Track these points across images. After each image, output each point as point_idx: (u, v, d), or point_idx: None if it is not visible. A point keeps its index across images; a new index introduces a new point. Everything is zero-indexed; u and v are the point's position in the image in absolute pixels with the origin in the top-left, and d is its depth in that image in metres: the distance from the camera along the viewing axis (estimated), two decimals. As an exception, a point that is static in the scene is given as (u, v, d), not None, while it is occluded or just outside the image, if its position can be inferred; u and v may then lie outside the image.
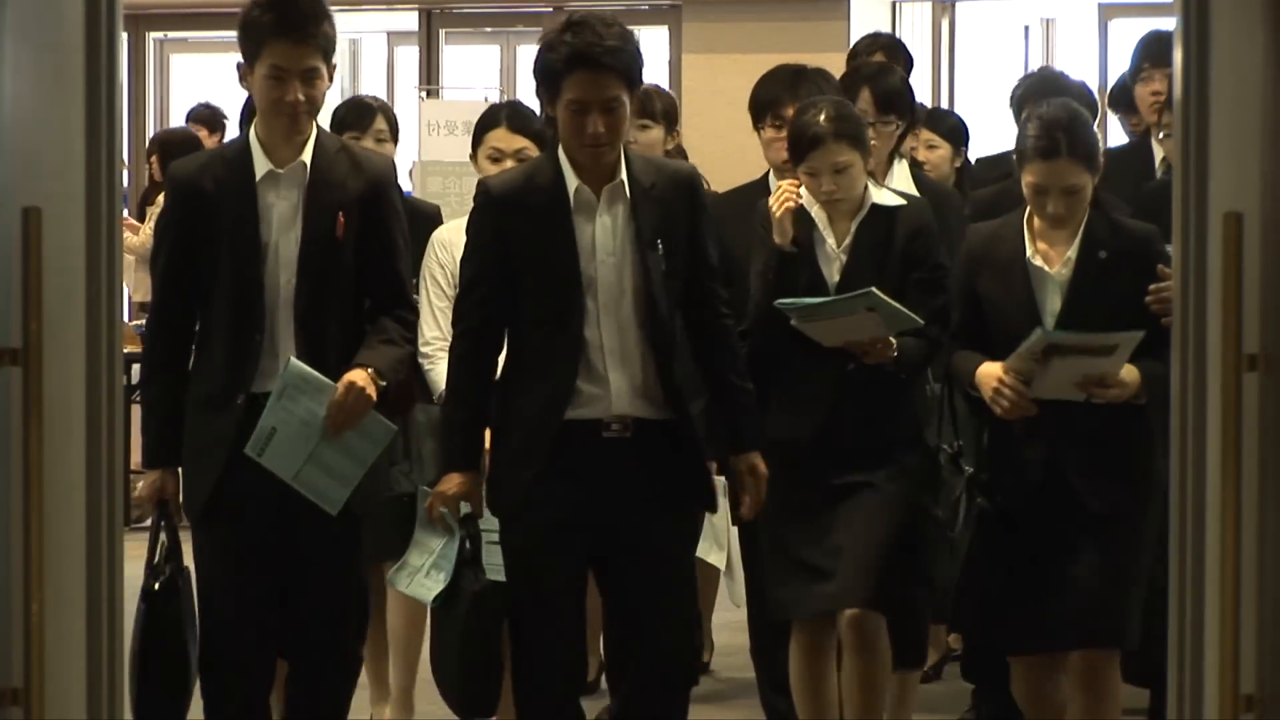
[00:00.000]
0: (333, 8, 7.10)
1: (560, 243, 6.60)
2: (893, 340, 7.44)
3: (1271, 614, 4.67)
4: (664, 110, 9.51)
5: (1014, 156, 7.41)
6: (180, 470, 7.01)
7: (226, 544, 6.74)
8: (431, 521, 7.03)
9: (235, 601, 6.80)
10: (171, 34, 20.08)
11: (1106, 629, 7.26)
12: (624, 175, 6.59)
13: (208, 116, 17.61)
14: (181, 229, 6.72)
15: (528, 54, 19.34)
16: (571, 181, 6.54)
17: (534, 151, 8.07)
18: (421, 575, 7.49)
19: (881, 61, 9.50)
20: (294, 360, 6.47)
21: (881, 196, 7.81)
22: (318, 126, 6.73)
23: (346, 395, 6.55)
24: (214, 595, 6.81)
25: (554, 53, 6.43)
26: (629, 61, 6.55)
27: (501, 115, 8.63)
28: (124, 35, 6.35)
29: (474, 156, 8.42)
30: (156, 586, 6.78)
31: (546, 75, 6.51)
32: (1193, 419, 5.09)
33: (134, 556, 6.21)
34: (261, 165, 6.55)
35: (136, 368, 12.31)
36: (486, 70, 19.69)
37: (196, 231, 6.63)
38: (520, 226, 6.63)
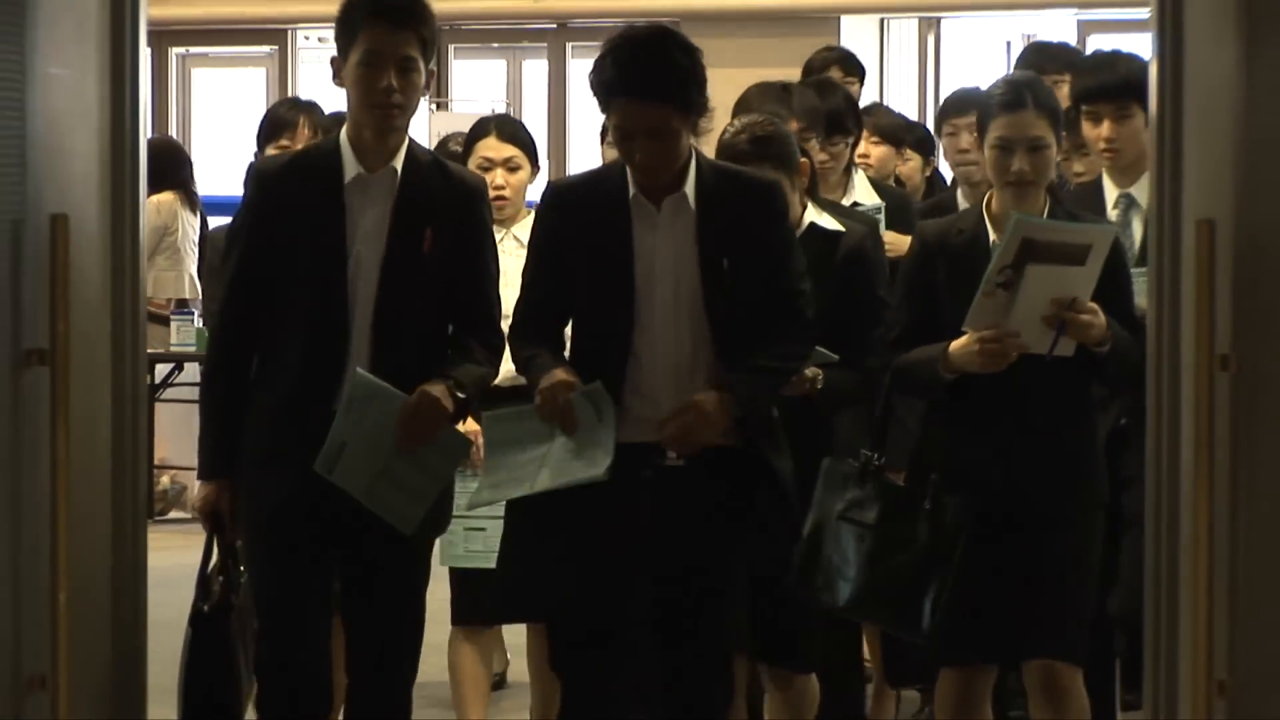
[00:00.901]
0: None
1: (617, 251, 5.95)
2: (814, 373, 6.70)
3: (1244, 601, 4.67)
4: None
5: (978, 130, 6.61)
6: (234, 482, 6.12)
7: (289, 559, 5.92)
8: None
9: (295, 619, 6.01)
10: (193, 49, 20.04)
11: (1054, 640, 6.57)
12: (690, 186, 5.89)
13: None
14: (260, 229, 5.90)
15: (533, 68, 19.53)
16: (631, 190, 5.90)
17: (523, 161, 7.88)
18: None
19: (821, 80, 9.11)
20: (360, 371, 5.68)
21: (821, 219, 7.22)
22: (411, 137, 5.96)
23: (420, 405, 5.77)
24: (272, 612, 6.03)
25: (601, 76, 5.84)
26: (676, 91, 5.89)
27: (491, 125, 8.29)
28: (147, 50, 6.33)
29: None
30: (206, 609, 6.13)
31: (597, 93, 5.93)
32: (1167, 416, 5.10)
33: (156, 548, 6.23)
34: (351, 168, 5.77)
35: (159, 368, 12.34)
36: (494, 84, 19.68)
37: (276, 233, 5.82)
38: (580, 230, 6.02)
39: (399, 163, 5.80)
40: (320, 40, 17.52)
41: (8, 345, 4.83)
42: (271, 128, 8.86)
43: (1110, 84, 7.18)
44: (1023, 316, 6.11)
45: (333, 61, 5.79)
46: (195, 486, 6.29)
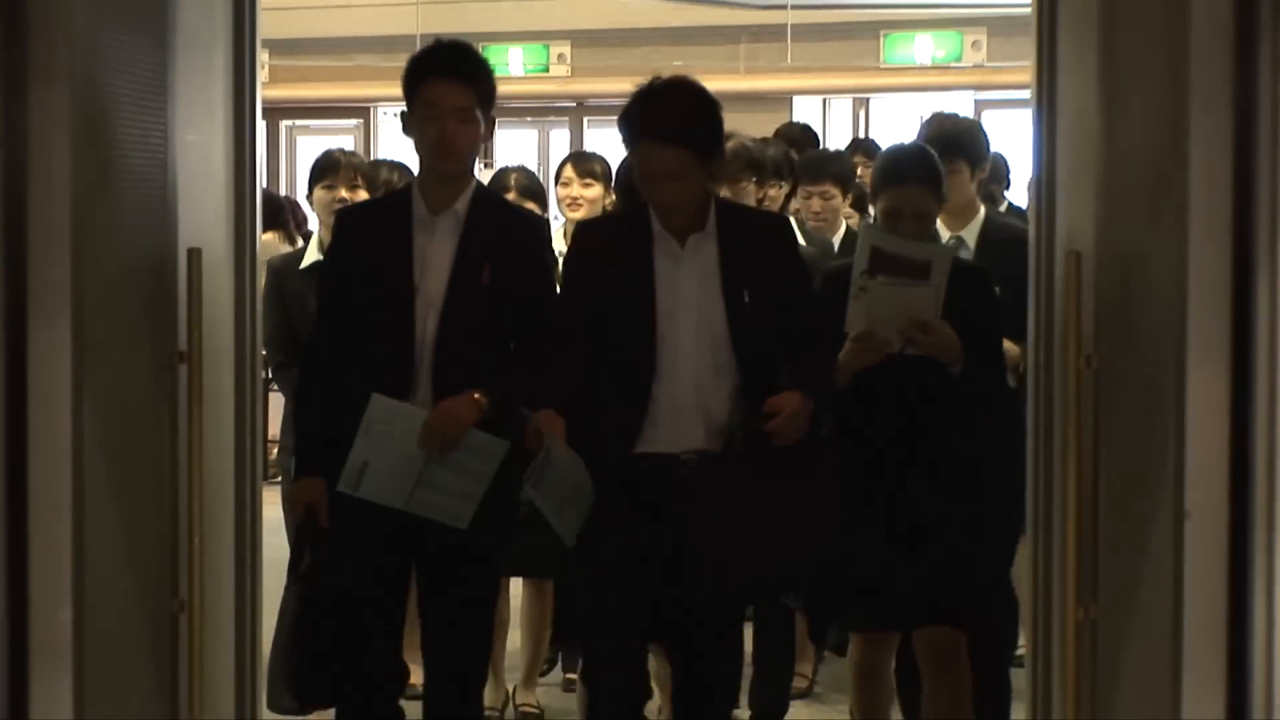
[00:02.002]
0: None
1: (641, 283, 5.07)
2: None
3: (1105, 549, 4.67)
4: (604, 171, 8.09)
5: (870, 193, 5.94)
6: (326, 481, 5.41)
7: (370, 560, 5.23)
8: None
9: (370, 613, 5.30)
10: (298, 121, 20.22)
11: (949, 607, 5.74)
12: (712, 225, 5.06)
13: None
14: (341, 266, 5.29)
15: (558, 136, 19.78)
16: (655, 228, 5.06)
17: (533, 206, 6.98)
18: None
19: (765, 138, 8.41)
20: (376, 395, 5.06)
21: None
22: (479, 182, 5.32)
23: (437, 417, 5.09)
24: (349, 604, 5.30)
25: (626, 121, 5.07)
26: (698, 135, 5.09)
27: (569, 161, 7.93)
28: (262, 123, 6.34)
29: None
30: (302, 589, 5.42)
31: (623, 137, 5.13)
32: (1044, 403, 5.12)
33: (268, 503, 6.20)
34: (419, 210, 5.12)
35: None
36: (527, 149, 19.95)
37: (354, 268, 5.19)
38: (607, 263, 5.14)
39: (462, 204, 5.13)
40: (395, 115, 17.57)
41: (158, 348, 4.82)
42: (319, 171, 8.69)
43: (937, 144, 6.50)
44: (879, 319, 5.54)
45: (402, 116, 5.26)
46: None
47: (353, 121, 19.53)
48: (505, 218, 5.29)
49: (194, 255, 5.04)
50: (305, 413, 5.51)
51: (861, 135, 17.89)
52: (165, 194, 4.83)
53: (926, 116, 8.13)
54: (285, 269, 7.40)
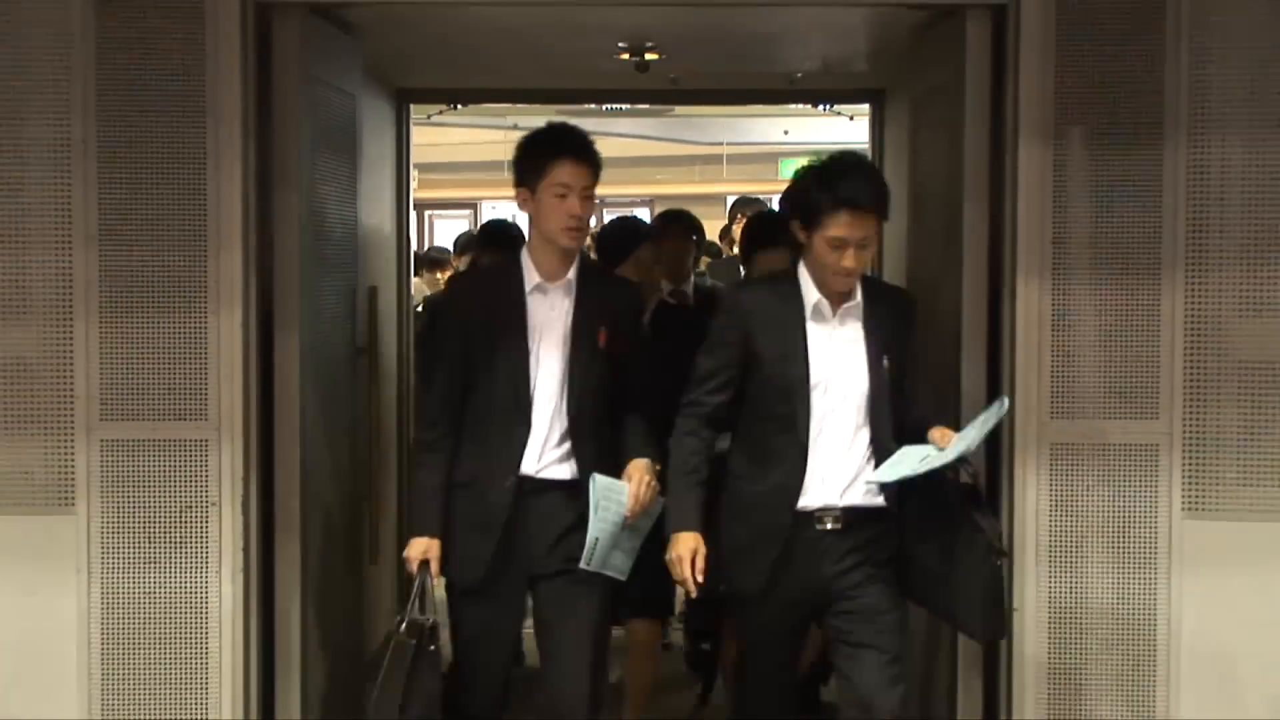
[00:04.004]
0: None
1: (793, 349, 3.54)
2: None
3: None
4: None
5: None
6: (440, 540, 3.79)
7: (490, 610, 3.69)
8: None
9: (495, 665, 3.74)
10: (435, 211, 20.16)
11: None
12: (860, 296, 3.59)
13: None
14: (460, 335, 3.77)
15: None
16: (811, 295, 3.54)
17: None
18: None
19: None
20: (597, 476, 3.63)
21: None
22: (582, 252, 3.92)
23: (643, 490, 3.64)
24: (473, 662, 3.74)
25: (821, 193, 3.47)
26: (886, 204, 3.64)
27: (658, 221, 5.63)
28: (413, 212, 6.37)
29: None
30: (415, 638, 3.70)
31: (811, 209, 3.52)
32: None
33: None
34: (532, 278, 3.72)
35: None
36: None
37: (473, 337, 3.73)
38: (762, 332, 3.56)
39: (573, 273, 3.75)
40: (493, 206, 17.57)
41: (350, 346, 4.75)
42: (430, 262, 8.01)
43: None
44: None
45: (519, 193, 3.76)
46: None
47: (466, 211, 19.52)
48: (609, 284, 3.91)
49: (372, 290, 5.08)
50: (423, 477, 3.78)
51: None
52: (355, 253, 4.82)
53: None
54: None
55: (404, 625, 3.59)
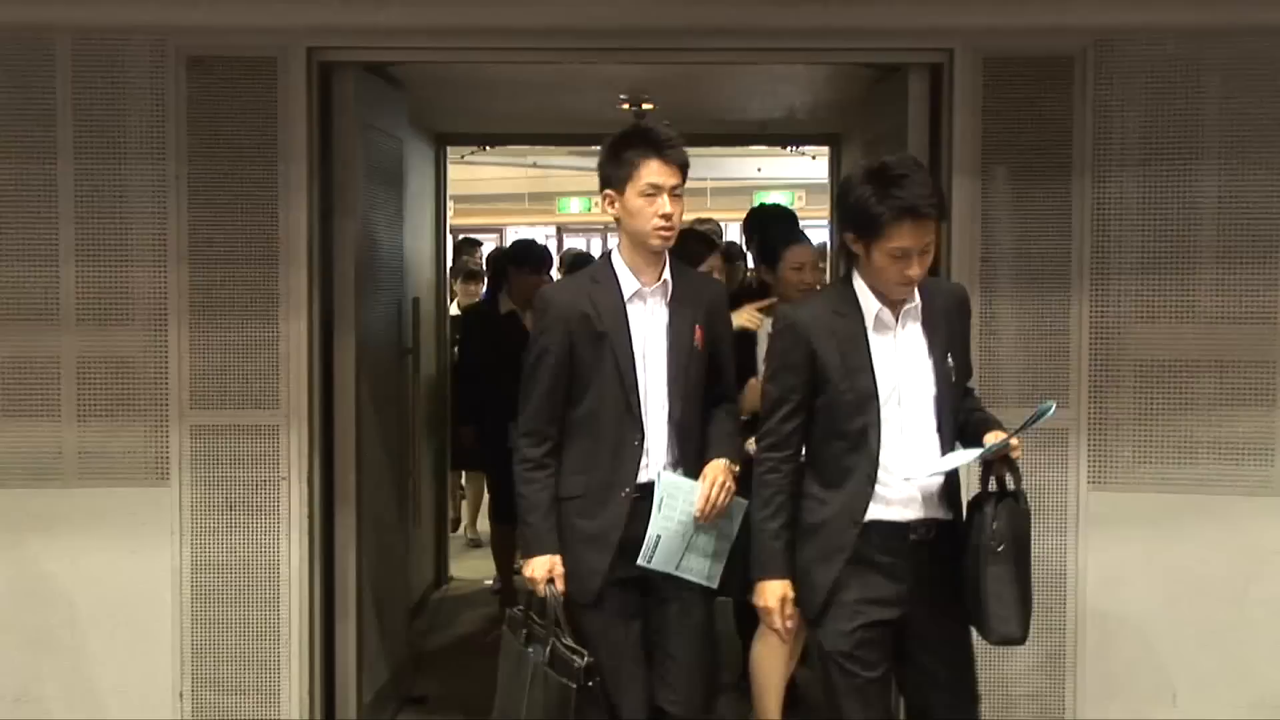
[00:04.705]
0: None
1: (860, 362, 2.85)
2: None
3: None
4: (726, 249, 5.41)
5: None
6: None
7: (614, 624, 3.03)
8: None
9: (632, 672, 3.04)
10: (466, 234, 19.98)
11: None
12: (917, 297, 2.90)
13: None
14: (562, 346, 3.07)
15: (596, 242, 17.17)
16: (871, 305, 2.86)
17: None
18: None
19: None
20: (664, 471, 3.03)
21: None
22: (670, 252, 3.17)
23: (715, 491, 3.03)
24: (616, 671, 3.03)
25: (882, 204, 2.78)
26: (945, 206, 3.10)
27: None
28: (449, 236, 6.37)
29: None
30: (568, 676, 2.97)
31: (870, 220, 2.81)
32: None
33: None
34: (629, 283, 3.09)
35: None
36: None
37: (575, 347, 3.06)
38: (825, 349, 2.86)
39: (667, 273, 3.12)
40: (515, 231, 17.46)
41: (398, 347, 4.73)
42: (466, 274, 7.45)
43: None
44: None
45: (606, 195, 3.12)
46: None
47: (493, 235, 19.46)
48: (696, 281, 3.25)
49: (415, 301, 5.11)
50: (532, 491, 3.08)
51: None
52: (401, 270, 4.79)
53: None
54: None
55: (549, 654, 2.94)
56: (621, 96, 5.49)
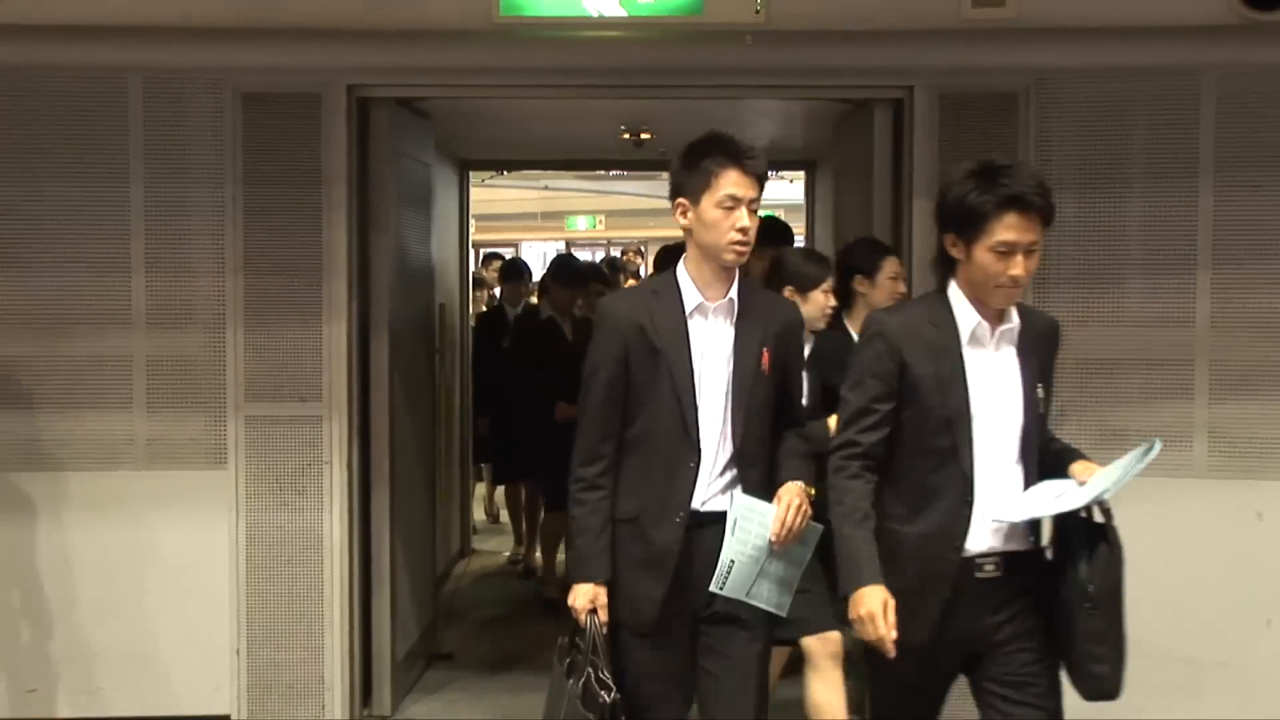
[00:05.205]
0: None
1: (954, 378, 2.34)
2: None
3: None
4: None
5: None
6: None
7: (662, 651, 2.54)
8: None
9: (674, 705, 2.56)
10: (485, 249, 19.84)
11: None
12: (1016, 319, 2.39)
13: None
14: (616, 360, 2.55)
15: (599, 253, 17.27)
16: (969, 318, 2.35)
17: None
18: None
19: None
20: (739, 494, 2.52)
21: None
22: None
23: (791, 515, 2.50)
24: (647, 705, 2.55)
25: (986, 194, 2.26)
26: (1050, 209, 2.33)
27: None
28: (471, 250, 6.37)
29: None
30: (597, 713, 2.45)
31: (972, 214, 2.28)
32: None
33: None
34: (692, 298, 2.55)
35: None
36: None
37: (631, 361, 2.54)
38: (917, 360, 2.34)
39: (734, 291, 2.56)
40: (529, 245, 17.42)
41: (427, 347, 4.72)
42: (476, 282, 7.28)
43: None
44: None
45: (678, 204, 2.56)
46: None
47: (509, 250, 19.40)
48: (768, 301, 2.66)
49: (443, 305, 5.12)
50: (584, 513, 2.55)
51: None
52: (430, 279, 4.79)
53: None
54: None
55: (583, 686, 2.45)
56: (622, 127, 5.52)
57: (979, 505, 2.31)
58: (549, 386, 4.99)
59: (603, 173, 10.73)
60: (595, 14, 3.77)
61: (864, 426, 2.36)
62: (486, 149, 6.29)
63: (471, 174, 6.47)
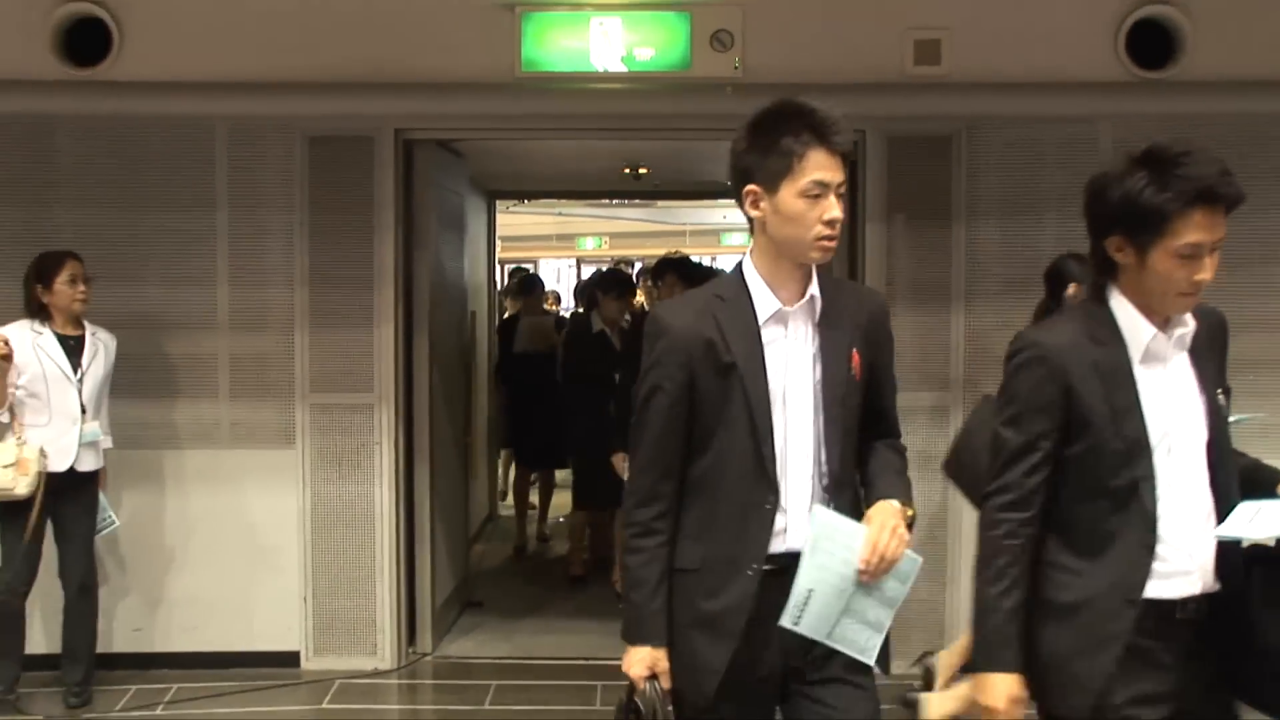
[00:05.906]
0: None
1: (1129, 404, 1.54)
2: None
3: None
4: None
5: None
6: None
7: None
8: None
9: None
10: (509, 264, 19.54)
11: None
12: (1191, 321, 1.57)
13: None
14: (678, 383, 1.57)
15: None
16: (1141, 331, 1.55)
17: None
18: None
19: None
20: (820, 508, 1.55)
21: None
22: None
23: (886, 535, 1.53)
24: None
25: (1167, 190, 1.44)
26: (1239, 193, 1.48)
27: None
28: (498, 265, 6.33)
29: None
30: None
31: (1149, 214, 1.47)
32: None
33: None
34: (767, 302, 1.58)
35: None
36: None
37: (697, 382, 1.57)
38: (1085, 386, 1.54)
39: (815, 288, 1.67)
40: (545, 262, 17.27)
41: (461, 352, 4.70)
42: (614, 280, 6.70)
43: None
44: None
45: (748, 192, 1.64)
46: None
47: (531, 264, 19.23)
48: (851, 292, 1.80)
49: (474, 314, 5.09)
50: (642, 573, 1.69)
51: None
52: (463, 291, 4.78)
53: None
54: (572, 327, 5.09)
55: None
56: (624, 163, 5.57)
57: (1165, 549, 1.64)
58: (602, 400, 4.32)
59: (607, 201, 10.83)
60: (601, 69, 3.82)
61: (1024, 469, 1.67)
62: (510, 181, 6.30)
63: (497, 202, 6.50)
